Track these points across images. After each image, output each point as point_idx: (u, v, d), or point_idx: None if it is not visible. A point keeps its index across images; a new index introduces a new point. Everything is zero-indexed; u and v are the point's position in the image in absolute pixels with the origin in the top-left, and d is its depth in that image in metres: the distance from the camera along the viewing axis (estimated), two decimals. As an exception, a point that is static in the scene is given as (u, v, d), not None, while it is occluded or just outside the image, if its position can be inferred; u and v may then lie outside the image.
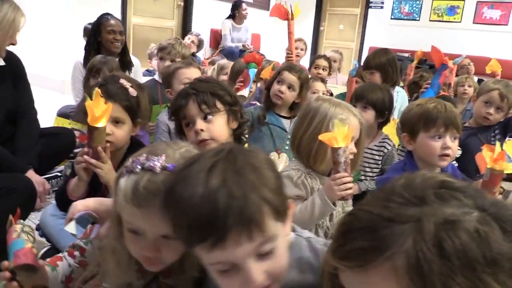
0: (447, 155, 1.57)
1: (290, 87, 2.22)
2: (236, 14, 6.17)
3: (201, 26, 6.25)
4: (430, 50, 2.73)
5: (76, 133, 2.42)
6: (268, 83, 2.33)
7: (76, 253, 1.07)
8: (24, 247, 0.95)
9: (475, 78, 4.21)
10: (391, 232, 0.53)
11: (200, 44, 5.37)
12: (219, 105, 1.43)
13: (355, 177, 2.06)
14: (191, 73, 2.23)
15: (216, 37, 6.46)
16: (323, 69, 3.67)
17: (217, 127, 1.42)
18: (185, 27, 6.29)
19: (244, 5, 6.18)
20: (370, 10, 8.81)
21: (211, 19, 6.45)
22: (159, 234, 0.83)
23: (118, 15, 4.83)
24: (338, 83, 4.56)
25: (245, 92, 2.54)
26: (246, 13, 6.20)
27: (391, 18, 8.58)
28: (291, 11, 2.96)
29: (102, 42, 2.98)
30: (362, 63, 3.28)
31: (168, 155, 0.84)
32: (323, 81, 3.07)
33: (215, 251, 0.67)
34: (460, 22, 7.89)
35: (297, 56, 4.09)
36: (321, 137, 1.26)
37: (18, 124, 2.11)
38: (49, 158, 2.23)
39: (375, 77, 2.85)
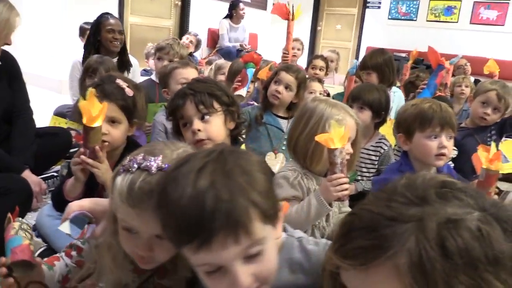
0: (443, 155, 1.58)
1: (287, 87, 2.22)
2: (233, 14, 6.17)
3: (199, 25, 6.25)
4: (427, 50, 2.74)
5: (73, 133, 2.42)
6: (266, 83, 2.34)
7: (74, 253, 1.07)
8: (22, 244, 0.96)
9: (472, 79, 4.23)
10: (393, 231, 0.53)
11: (197, 44, 5.37)
12: (216, 105, 1.43)
13: (351, 178, 2.07)
14: (188, 73, 2.23)
15: (214, 37, 6.45)
16: (320, 69, 3.67)
17: (214, 128, 1.42)
18: (183, 26, 6.28)
19: (241, 5, 6.18)
20: (367, 10, 8.84)
21: (209, 19, 6.44)
22: (152, 234, 0.83)
23: (115, 15, 4.81)
24: (335, 83, 4.57)
25: (242, 92, 2.54)
26: (244, 13, 6.20)
27: (388, 18, 8.61)
28: (293, 11, 2.97)
29: (102, 41, 2.98)
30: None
31: (165, 155, 0.85)
32: (320, 81, 3.07)
33: (201, 253, 0.67)
34: (457, 22, 7.93)
35: (294, 56, 4.09)
36: (318, 138, 1.26)
37: (13, 124, 2.11)
38: (46, 158, 2.23)
39: (372, 77, 2.86)
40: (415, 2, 8.31)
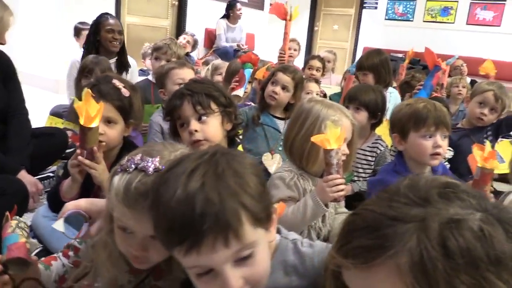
0: (438, 154, 1.59)
1: (284, 88, 2.23)
2: (230, 14, 6.16)
3: (196, 25, 6.24)
4: (423, 51, 2.75)
5: (69, 133, 2.41)
6: (263, 84, 2.34)
7: (71, 253, 1.07)
8: (18, 241, 0.96)
9: (468, 79, 4.24)
10: (394, 231, 0.53)
11: (194, 44, 5.36)
12: (213, 106, 1.43)
13: (347, 178, 2.07)
14: (185, 74, 2.23)
15: (211, 37, 6.44)
16: (316, 70, 3.67)
17: (211, 128, 1.42)
18: (180, 26, 6.27)
19: (238, 5, 6.18)
20: (364, 11, 8.85)
21: (206, 19, 6.44)
22: (147, 234, 0.84)
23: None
24: (332, 84, 4.58)
25: (240, 92, 2.54)
26: (241, 13, 6.20)
27: (385, 19, 8.63)
28: (290, 12, 2.97)
29: (101, 41, 2.99)
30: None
31: (163, 156, 0.85)
32: (317, 82, 3.08)
33: (191, 255, 0.67)
34: (453, 23, 7.96)
35: (290, 56, 4.08)
36: (314, 138, 1.27)
37: (9, 124, 2.10)
38: (42, 158, 2.22)
39: (368, 78, 2.86)
40: (411, 3, 8.33)
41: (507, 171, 1.75)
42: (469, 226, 0.51)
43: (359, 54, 8.09)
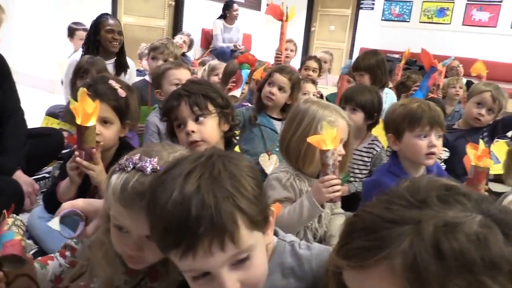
0: (433, 154, 1.59)
1: (281, 88, 2.23)
2: (227, 14, 6.16)
3: (192, 26, 6.24)
4: (419, 51, 2.76)
5: (65, 134, 2.40)
6: (260, 84, 2.34)
7: (67, 253, 1.07)
8: (13, 238, 0.96)
9: (464, 80, 4.26)
10: (390, 233, 0.54)
11: (190, 44, 5.35)
12: (210, 107, 1.44)
13: (344, 179, 2.07)
14: (181, 74, 2.23)
15: (207, 37, 6.44)
16: (313, 71, 3.68)
17: (208, 129, 1.42)
18: (176, 26, 6.26)
19: (235, 6, 6.17)
20: (360, 11, 8.87)
21: (202, 19, 6.43)
22: (142, 234, 0.83)
23: (109, 14, 4.79)
24: (328, 84, 4.58)
25: (237, 92, 2.54)
26: (237, 13, 6.19)
27: (382, 20, 8.64)
28: (287, 13, 2.98)
29: (101, 41, 2.99)
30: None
31: (161, 157, 0.85)
32: (314, 82, 3.08)
33: (187, 259, 0.67)
34: (449, 24, 7.97)
35: (287, 57, 4.09)
36: (310, 139, 1.27)
37: (5, 124, 2.09)
38: (37, 159, 2.21)
39: (364, 79, 2.87)
40: (408, 4, 8.35)
41: (502, 171, 1.76)
42: (464, 230, 0.51)
43: (355, 55, 8.10)
